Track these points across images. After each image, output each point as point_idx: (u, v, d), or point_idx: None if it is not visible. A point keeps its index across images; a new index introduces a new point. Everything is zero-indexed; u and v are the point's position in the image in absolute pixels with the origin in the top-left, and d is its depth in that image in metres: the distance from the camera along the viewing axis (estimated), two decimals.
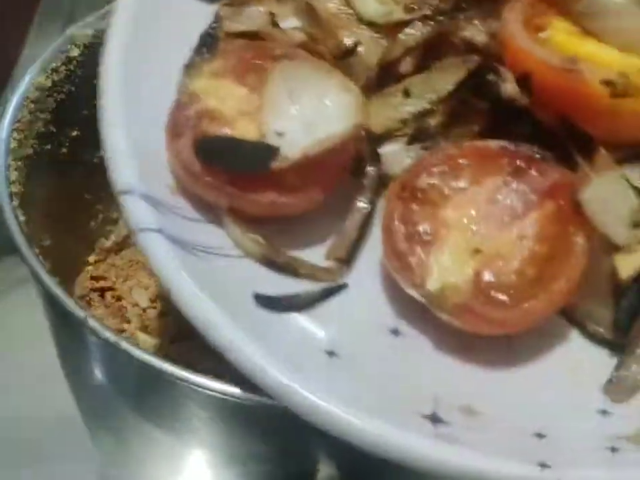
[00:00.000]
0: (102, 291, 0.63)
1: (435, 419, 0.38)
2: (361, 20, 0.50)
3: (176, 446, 0.51)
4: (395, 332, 0.42)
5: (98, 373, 0.50)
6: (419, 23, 0.49)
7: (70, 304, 0.44)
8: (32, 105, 0.55)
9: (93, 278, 0.63)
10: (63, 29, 1.16)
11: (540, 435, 0.38)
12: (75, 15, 1.19)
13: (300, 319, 0.41)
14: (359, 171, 0.47)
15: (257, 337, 0.38)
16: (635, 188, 0.43)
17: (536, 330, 0.42)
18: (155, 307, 0.62)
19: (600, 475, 0.36)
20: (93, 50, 0.59)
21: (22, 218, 0.49)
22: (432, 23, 0.49)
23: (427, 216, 0.43)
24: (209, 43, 0.47)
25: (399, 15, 0.50)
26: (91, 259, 0.65)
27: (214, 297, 0.39)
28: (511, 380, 0.41)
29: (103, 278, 0.63)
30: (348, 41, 0.49)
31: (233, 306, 0.39)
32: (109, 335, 0.43)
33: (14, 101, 0.54)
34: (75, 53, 0.58)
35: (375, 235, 0.45)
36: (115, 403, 0.52)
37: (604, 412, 0.40)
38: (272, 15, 0.49)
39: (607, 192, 0.43)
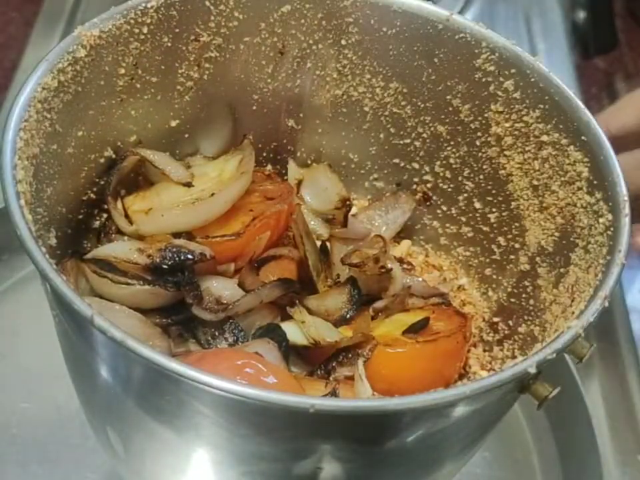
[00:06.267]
0: None
1: None
2: None
3: (180, 444, 0.52)
4: None
5: (103, 371, 0.50)
6: None
7: (77, 302, 0.44)
8: (39, 105, 0.55)
9: None
10: (65, 30, 1.17)
11: None
12: (77, 16, 1.20)
13: None
14: None
15: None
16: None
17: None
18: None
19: None
20: (99, 51, 0.60)
21: (28, 217, 0.49)
22: None
23: None
24: None
25: None
26: None
27: None
28: None
29: None
30: None
31: None
32: (116, 333, 0.43)
33: (20, 100, 0.54)
34: (82, 53, 0.58)
35: None
36: (119, 400, 0.52)
37: None
38: None
39: None
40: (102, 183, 0.65)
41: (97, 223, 0.66)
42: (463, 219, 0.72)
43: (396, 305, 0.65)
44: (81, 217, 0.64)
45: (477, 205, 0.70)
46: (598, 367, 0.89)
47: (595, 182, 0.58)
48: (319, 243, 0.69)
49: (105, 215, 0.66)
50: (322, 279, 0.66)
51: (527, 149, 0.64)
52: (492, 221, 0.69)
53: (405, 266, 0.72)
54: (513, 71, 0.63)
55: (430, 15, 0.65)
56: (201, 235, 0.63)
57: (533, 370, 0.46)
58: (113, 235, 0.64)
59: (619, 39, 1.43)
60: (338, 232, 0.69)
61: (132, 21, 0.61)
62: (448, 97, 0.68)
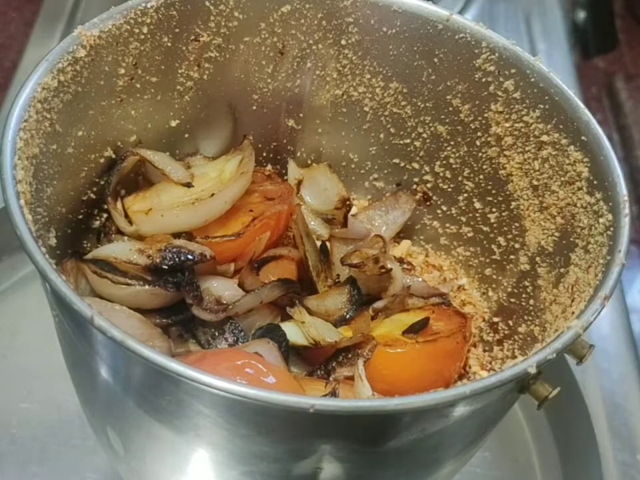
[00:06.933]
0: None
1: None
2: None
3: (180, 444, 0.52)
4: None
5: (103, 371, 0.50)
6: None
7: (77, 302, 0.44)
8: (38, 105, 0.55)
9: None
10: (65, 30, 1.17)
11: None
12: (77, 16, 1.20)
13: None
14: None
15: None
16: None
17: None
18: None
19: None
20: (99, 51, 0.60)
21: (28, 217, 0.49)
22: None
23: None
24: None
25: None
26: None
27: None
28: None
29: None
30: None
31: None
32: (116, 333, 0.43)
33: (20, 100, 0.54)
34: (82, 53, 0.58)
35: None
36: (119, 400, 0.52)
37: None
38: None
39: None
40: (102, 183, 0.65)
41: (97, 223, 0.66)
42: (463, 218, 0.72)
43: (396, 305, 0.65)
44: (80, 217, 0.64)
45: (477, 205, 0.70)
46: (598, 367, 0.89)
47: (595, 182, 0.58)
48: (318, 243, 0.69)
49: (105, 215, 0.66)
50: (322, 279, 0.66)
51: (527, 148, 0.64)
52: (492, 221, 0.69)
53: (405, 266, 0.72)
54: (513, 71, 0.63)
55: (430, 15, 0.65)
56: (201, 235, 0.63)
57: (533, 370, 0.46)
58: (113, 235, 0.65)
59: (619, 39, 1.43)
60: (338, 232, 0.69)
61: (132, 21, 0.61)
62: (448, 97, 0.68)
